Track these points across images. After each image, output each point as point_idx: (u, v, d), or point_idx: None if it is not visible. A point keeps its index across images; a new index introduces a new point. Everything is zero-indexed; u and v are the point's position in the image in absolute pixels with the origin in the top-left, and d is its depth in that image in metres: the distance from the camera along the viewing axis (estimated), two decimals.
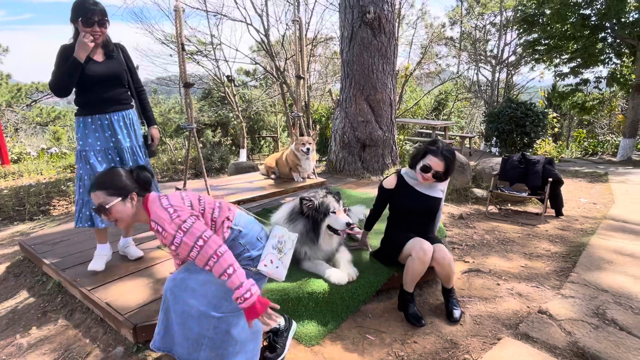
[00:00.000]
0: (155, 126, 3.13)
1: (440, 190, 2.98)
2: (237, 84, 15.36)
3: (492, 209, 5.45)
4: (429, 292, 3.10)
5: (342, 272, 2.75)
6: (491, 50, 16.37)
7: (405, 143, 7.16)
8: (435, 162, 2.74)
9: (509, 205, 5.58)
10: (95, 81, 2.72)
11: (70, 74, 2.60)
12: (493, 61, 15.51)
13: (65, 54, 2.63)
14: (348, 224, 2.74)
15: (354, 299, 2.72)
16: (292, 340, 2.44)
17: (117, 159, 2.88)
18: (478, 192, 5.77)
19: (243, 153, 15.19)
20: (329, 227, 2.80)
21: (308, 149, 4.20)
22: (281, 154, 4.54)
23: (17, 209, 6.69)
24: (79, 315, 2.74)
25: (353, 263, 2.97)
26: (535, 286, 3.25)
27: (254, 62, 12.08)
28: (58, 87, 2.65)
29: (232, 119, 16.36)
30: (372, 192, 5.10)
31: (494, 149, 10.97)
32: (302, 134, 4.47)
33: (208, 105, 16.71)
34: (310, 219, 2.79)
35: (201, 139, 16.97)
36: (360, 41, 5.79)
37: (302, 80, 4.44)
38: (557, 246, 4.13)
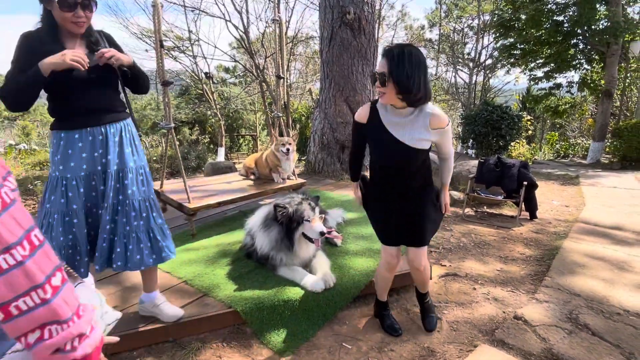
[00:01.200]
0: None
1: (427, 131, 2.02)
2: (215, 82, 15.10)
3: (468, 211, 5.50)
4: (406, 297, 3.08)
5: (319, 278, 2.69)
6: (468, 53, 16.65)
7: None
8: (379, 64, 1.95)
9: (485, 207, 5.65)
10: (76, 84, 1.96)
11: (32, 87, 1.86)
12: (470, 64, 15.78)
13: (29, 47, 1.88)
14: (322, 233, 2.69)
15: (331, 306, 2.66)
16: (266, 349, 2.37)
17: (101, 187, 2.09)
18: (455, 194, 5.81)
19: (221, 152, 14.95)
20: (304, 235, 2.73)
21: (288, 150, 4.12)
22: (260, 155, 4.45)
23: None
24: None
25: (331, 269, 2.91)
26: (511, 290, 3.27)
27: (233, 60, 11.88)
28: (15, 101, 1.88)
29: (210, 117, 16.08)
30: (352, 194, 5.07)
31: (470, 151, 11.14)
32: (281, 134, 4.38)
33: (185, 102, 16.37)
34: (285, 226, 2.73)
35: (178, 136, 16.61)
36: (340, 42, 5.74)
37: (281, 80, 4.36)
38: (532, 249, 4.19)
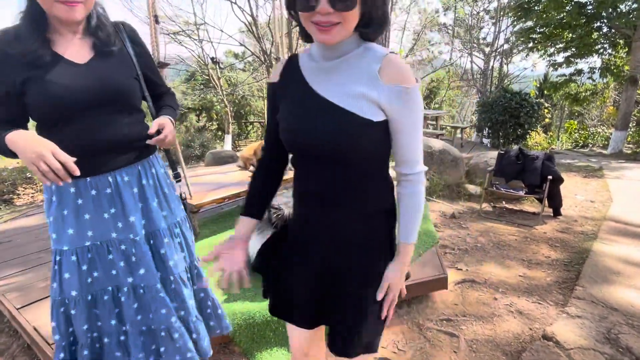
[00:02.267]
0: (169, 117, 1.55)
1: (372, 85, 1.01)
2: (222, 67, 14.70)
3: (486, 207, 5.11)
4: (419, 309, 2.73)
5: None
6: (484, 38, 15.96)
7: None
8: None
9: (504, 203, 5.24)
10: (75, 108, 1.32)
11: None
12: (486, 49, 15.10)
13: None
14: None
15: None
16: None
17: (121, 263, 1.46)
18: (471, 188, 5.41)
19: (228, 139, 14.63)
20: None
21: None
22: (260, 144, 4.10)
23: None
24: (5, 339, 2.31)
25: None
26: (537, 302, 2.91)
27: (239, 44, 11.46)
28: None
29: (216, 104, 15.74)
30: None
31: (485, 140, 10.65)
32: None
33: (192, 88, 16.02)
34: (280, 230, 2.38)
35: (184, 123, 16.33)
36: None
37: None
38: (558, 252, 3.80)
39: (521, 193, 4.76)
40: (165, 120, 1.51)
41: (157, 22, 2.81)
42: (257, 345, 2.17)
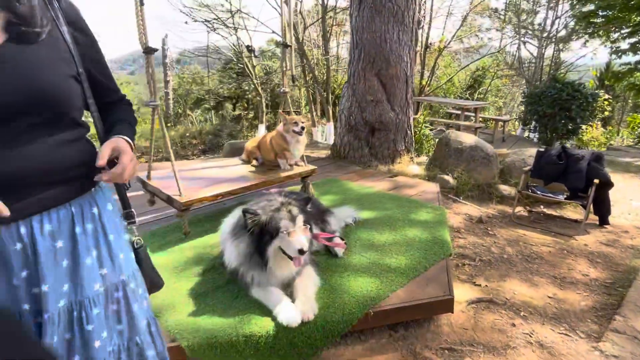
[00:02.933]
0: (127, 138, 1.14)
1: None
2: (256, 55, 14.57)
3: (519, 211, 4.56)
4: (416, 334, 2.37)
5: (296, 308, 2.06)
6: (539, 24, 14.65)
7: (426, 127, 6.25)
8: None
9: (542, 207, 4.66)
10: None
11: None
12: (541, 35, 13.87)
13: None
14: (302, 251, 2.04)
15: (309, 345, 2.03)
16: None
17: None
18: (504, 189, 4.86)
19: (262, 129, 14.52)
20: (282, 249, 2.10)
21: (303, 128, 3.47)
22: (263, 137, 3.83)
23: None
24: None
25: (320, 292, 2.27)
26: (565, 332, 2.45)
27: (271, 31, 11.22)
28: None
29: (248, 93, 15.68)
30: (377, 185, 4.33)
31: (531, 135, 9.78)
32: (289, 114, 3.73)
33: (228, 77, 16.06)
34: (256, 238, 2.10)
35: (220, 112, 16.47)
36: (371, 3, 4.87)
37: (288, 48, 3.67)
38: (599, 269, 3.26)
39: (561, 198, 4.18)
40: (121, 145, 1.08)
41: (142, 4, 2.58)
42: None
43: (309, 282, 2.28)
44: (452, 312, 2.38)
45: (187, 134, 10.31)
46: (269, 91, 16.97)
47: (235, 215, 2.39)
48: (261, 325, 2.01)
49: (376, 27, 4.87)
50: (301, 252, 2.04)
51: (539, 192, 4.29)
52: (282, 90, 3.68)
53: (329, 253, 2.77)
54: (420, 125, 6.03)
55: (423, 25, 11.22)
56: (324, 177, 4.71)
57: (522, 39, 14.45)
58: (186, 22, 12.99)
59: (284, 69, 3.71)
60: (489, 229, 4.08)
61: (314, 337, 2.04)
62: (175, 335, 1.96)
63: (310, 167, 3.76)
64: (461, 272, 3.22)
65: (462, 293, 2.88)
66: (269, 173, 3.55)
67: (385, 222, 3.29)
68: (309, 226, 2.19)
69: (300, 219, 2.15)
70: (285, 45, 3.65)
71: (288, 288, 2.25)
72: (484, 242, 3.77)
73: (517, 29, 14.60)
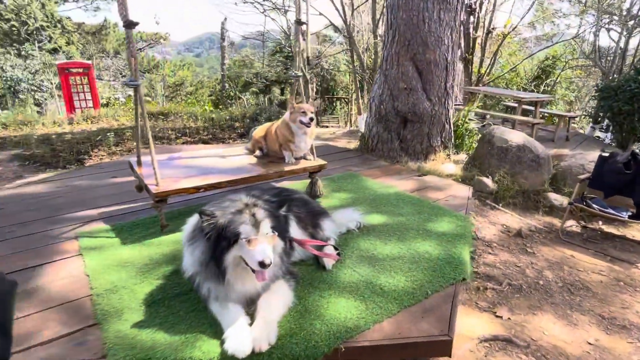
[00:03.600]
0: None
1: None
2: (304, 38, 14.21)
3: (570, 226, 3.85)
4: None
5: (248, 335, 1.71)
6: (628, 9, 12.81)
7: (471, 120, 5.55)
8: None
9: (600, 224, 3.91)
10: None
11: None
12: (629, 22, 12.12)
13: None
14: (263, 265, 1.68)
15: None
16: None
17: None
18: (555, 199, 4.15)
19: None
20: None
21: (311, 119, 3.10)
22: (271, 125, 3.50)
23: (61, 155, 6.61)
24: None
25: (289, 315, 1.92)
26: None
27: (318, 13, 10.77)
28: None
29: (290, 79, 15.41)
30: (399, 185, 3.85)
31: (602, 134, 8.57)
32: (301, 101, 3.35)
33: (276, 60, 15.89)
34: (212, 244, 1.78)
35: (268, 95, 16.41)
36: None
37: (302, 26, 3.27)
38: None
39: (625, 215, 3.44)
40: None
41: None
42: None
43: (276, 301, 1.92)
44: (450, 357, 1.91)
45: (228, 117, 10.25)
46: (320, 76, 16.60)
47: (195, 218, 2.07)
48: (205, 350, 1.70)
49: (413, 4, 4.27)
50: (262, 265, 1.69)
51: (596, 207, 3.57)
52: (294, 74, 3.29)
53: (317, 263, 2.39)
54: (463, 119, 5.36)
55: (478, 6, 10.17)
56: (345, 170, 4.29)
57: (604, 25, 12.74)
58: (235, 4, 12.86)
59: (298, 48, 3.32)
60: (529, 245, 3.46)
61: None
62: (107, 349, 1.70)
63: (320, 161, 3.37)
64: (481, 298, 2.70)
65: (476, 325, 2.39)
66: (270, 166, 3.21)
67: (395, 231, 2.83)
68: (276, 234, 1.83)
69: (265, 224, 1.79)
70: (299, 23, 3.26)
71: (252, 305, 1.91)
72: (518, 261, 3.19)
73: (599, 14, 12.89)
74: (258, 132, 3.54)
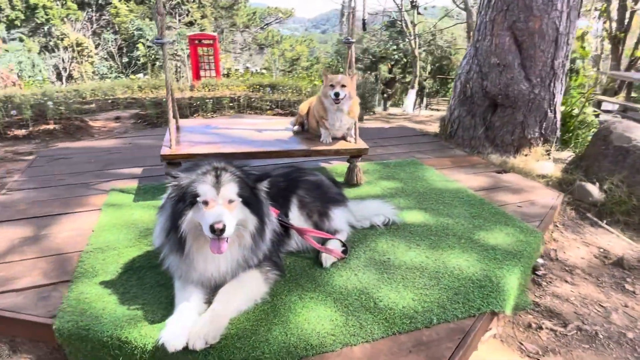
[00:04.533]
0: None
1: None
2: (421, 12, 13.16)
3: None
4: None
5: (188, 327, 1.50)
6: None
7: (595, 111, 4.38)
8: None
9: None
10: None
11: None
12: None
13: None
14: (213, 229, 1.45)
15: None
16: None
17: None
18: None
19: (411, 95, 13.40)
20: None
21: (337, 95, 2.71)
22: (316, 98, 3.17)
23: (165, 117, 7.11)
24: None
25: (253, 311, 1.66)
26: None
27: None
28: None
29: (396, 55, 14.40)
30: (466, 180, 3.25)
31: None
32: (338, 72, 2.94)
33: (388, 36, 15.09)
34: (173, 209, 1.60)
35: (375, 72, 15.80)
36: None
37: None
38: None
39: None
40: None
41: None
42: None
43: (238, 292, 1.67)
44: None
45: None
46: (434, 54, 15.36)
47: None
48: (144, 334, 1.54)
49: None
50: (213, 230, 1.46)
51: None
52: (345, 39, 2.88)
53: (317, 258, 2.05)
54: (579, 107, 4.27)
55: None
56: (409, 156, 3.76)
57: None
58: None
59: (350, 10, 2.89)
60: (629, 280, 2.58)
61: None
62: (59, 311, 1.65)
63: (361, 145, 2.94)
64: (531, 339, 2.07)
65: None
66: (300, 143, 2.90)
67: (430, 235, 2.33)
68: (239, 200, 1.57)
69: (229, 189, 1.55)
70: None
71: (214, 292, 1.69)
72: (605, 299, 2.39)
73: None
74: (302, 106, 3.24)
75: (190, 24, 23.13)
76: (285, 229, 2.03)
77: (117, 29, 21.54)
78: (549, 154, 3.98)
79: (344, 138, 3.00)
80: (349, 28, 2.96)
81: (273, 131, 3.14)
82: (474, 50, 4.00)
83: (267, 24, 32.45)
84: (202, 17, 24.76)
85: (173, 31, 20.34)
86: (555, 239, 3.01)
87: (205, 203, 1.52)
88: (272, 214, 1.91)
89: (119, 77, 18.57)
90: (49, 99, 7.21)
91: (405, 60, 14.62)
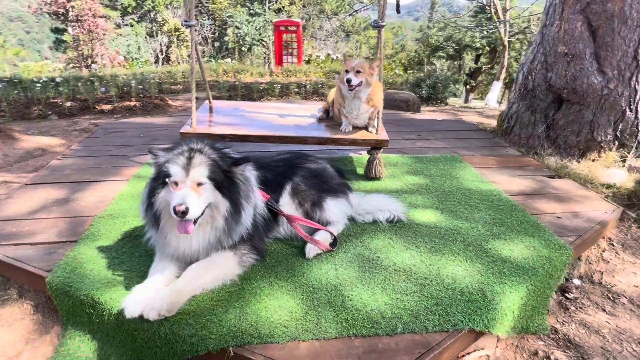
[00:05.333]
0: None
1: None
2: None
3: None
4: None
5: (147, 297, 1.56)
6: None
7: None
8: None
9: None
10: None
11: None
12: None
13: None
14: (175, 211, 1.51)
15: (132, 348, 1.55)
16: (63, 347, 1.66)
17: None
18: None
19: (496, 87, 12.37)
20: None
21: (349, 81, 2.58)
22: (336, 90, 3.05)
23: (234, 98, 7.47)
24: None
25: (218, 291, 1.69)
26: None
27: None
28: None
29: (480, 43, 13.20)
30: (508, 184, 2.94)
31: None
32: (369, 58, 2.78)
33: (476, 23, 13.99)
34: (150, 185, 1.69)
35: (458, 62, 14.85)
36: None
37: None
38: None
39: None
40: None
41: None
42: (75, 324, 1.72)
43: (208, 271, 1.70)
44: None
45: (391, 82, 9.78)
46: (526, 43, 13.94)
47: None
48: (114, 297, 1.65)
49: None
50: (175, 211, 1.50)
51: None
52: (374, 22, 2.72)
53: (303, 247, 2.01)
54: None
55: None
56: (450, 151, 3.48)
57: None
58: None
59: None
60: None
61: (141, 340, 1.53)
62: (55, 266, 1.83)
63: (381, 136, 2.77)
64: None
65: None
66: (317, 131, 2.82)
67: (438, 237, 2.14)
68: (209, 183, 1.59)
69: (198, 171, 1.58)
70: None
71: (185, 267, 1.74)
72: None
73: None
74: (331, 92, 3.14)
75: (278, 10, 23.84)
76: (274, 214, 2.01)
77: (213, 15, 23.01)
78: (624, 161, 3.40)
79: (365, 128, 2.86)
80: (380, 9, 2.78)
81: (297, 117, 3.11)
82: (540, 37, 3.52)
83: (355, 11, 32.16)
84: (291, 3, 25.34)
85: (260, 17, 21.16)
86: (605, 260, 2.58)
87: (175, 184, 1.57)
88: (258, 198, 1.91)
89: (209, 61, 19.96)
90: (141, 79, 7.97)
91: (489, 49, 13.45)
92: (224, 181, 1.64)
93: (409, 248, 2.03)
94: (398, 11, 2.90)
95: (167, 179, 1.58)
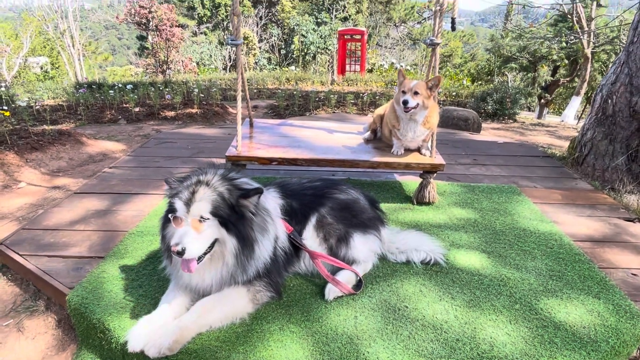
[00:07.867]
0: None
1: None
2: (601, 3, 10.84)
3: None
4: None
5: (151, 331, 1.50)
6: None
7: None
8: None
9: None
10: None
11: None
12: None
13: None
14: (172, 251, 1.44)
15: None
16: None
17: None
18: None
19: (575, 102, 11.31)
20: None
21: (405, 103, 2.39)
22: (390, 104, 2.86)
23: (290, 108, 7.44)
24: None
25: (225, 330, 1.60)
26: None
27: None
28: None
29: (555, 53, 12.03)
30: (572, 226, 2.56)
31: None
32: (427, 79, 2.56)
33: (557, 31, 12.86)
34: (164, 216, 1.66)
35: (533, 74, 13.77)
36: None
37: None
38: None
39: None
40: None
41: None
42: (90, 345, 1.72)
43: (217, 308, 1.62)
44: None
45: (455, 94, 9.29)
46: (614, 55, 12.56)
47: None
48: (124, 326, 1.62)
49: None
50: (170, 249, 1.46)
51: None
52: (428, 40, 2.51)
53: (320, 287, 1.86)
54: None
55: None
56: (509, 181, 3.13)
57: None
58: None
59: (438, 7, 2.49)
60: None
61: None
62: (78, 284, 1.85)
63: (437, 160, 2.53)
64: None
65: None
66: (367, 153, 2.64)
67: (476, 289, 1.88)
68: (213, 219, 1.50)
69: (199, 206, 1.50)
70: None
71: (196, 298, 1.68)
72: None
73: None
74: (378, 110, 2.96)
75: (345, 19, 23.92)
76: (296, 248, 1.88)
77: (282, 24, 23.67)
78: None
79: (418, 150, 2.64)
80: (435, 27, 2.55)
81: (345, 135, 2.95)
82: (625, 56, 3.04)
83: (424, 19, 31.35)
84: (357, 12, 25.32)
85: (326, 26, 21.35)
86: None
87: (175, 220, 1.50)
88: (280, 229, 1.79)
89: (275, 68, 20.51)
90: (208, 85, 8.25)
91: (567, 61, 12.29)
92: (231, 216, 1.54)
93: (443, 299, 1.80)
94: (453, 29, 2.66)
95: (169, 215, 1.52)
